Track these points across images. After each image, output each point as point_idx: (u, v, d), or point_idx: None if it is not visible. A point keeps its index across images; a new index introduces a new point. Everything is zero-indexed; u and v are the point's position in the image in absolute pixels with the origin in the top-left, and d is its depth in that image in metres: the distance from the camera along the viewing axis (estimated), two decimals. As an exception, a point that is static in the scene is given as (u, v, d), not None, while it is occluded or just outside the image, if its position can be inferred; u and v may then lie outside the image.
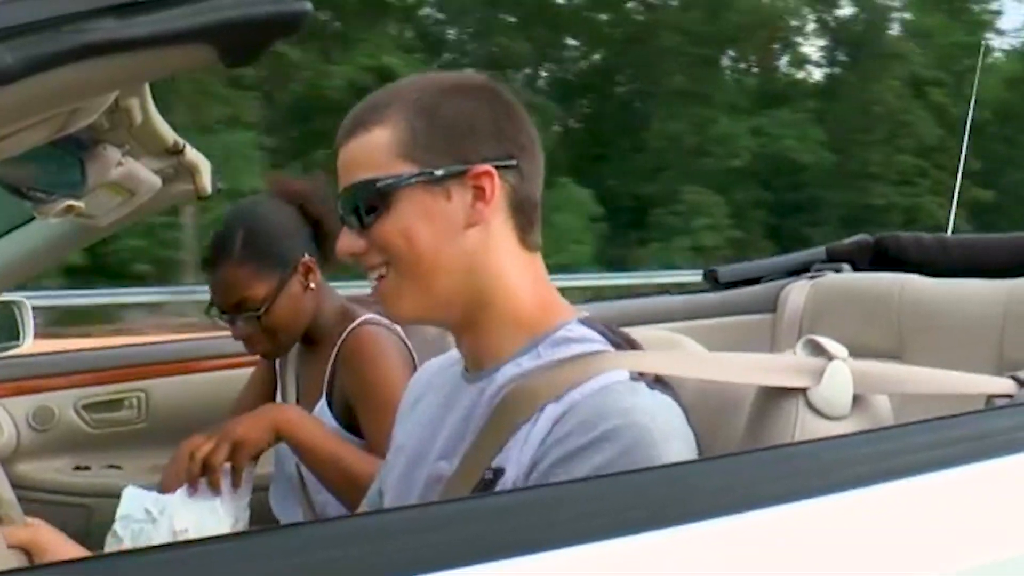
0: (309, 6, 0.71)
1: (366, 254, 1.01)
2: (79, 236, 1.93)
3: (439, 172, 0.98)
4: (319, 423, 1.65)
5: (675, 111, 18.78)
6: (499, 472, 0.94)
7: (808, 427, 0.93)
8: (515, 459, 0.94)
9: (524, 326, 1.02)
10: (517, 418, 0.94)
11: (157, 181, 1.69)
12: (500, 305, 1.01)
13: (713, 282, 2.42)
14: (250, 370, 2.21)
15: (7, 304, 2.13)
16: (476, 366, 1.05)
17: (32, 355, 2.18)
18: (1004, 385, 1.01)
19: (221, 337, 2.37)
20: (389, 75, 17.39)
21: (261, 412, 1.58)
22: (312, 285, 1.69)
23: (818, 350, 0.98)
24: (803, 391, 0.95)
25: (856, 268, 2.33)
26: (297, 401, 1.79)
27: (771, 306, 2.30)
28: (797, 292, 2.25)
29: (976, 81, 3.79)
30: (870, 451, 0.89)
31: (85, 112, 1.05)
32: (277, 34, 0.72)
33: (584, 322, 1.03)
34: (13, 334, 2.12)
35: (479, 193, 0.99)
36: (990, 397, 1.01)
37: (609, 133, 19.70)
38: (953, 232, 2.76)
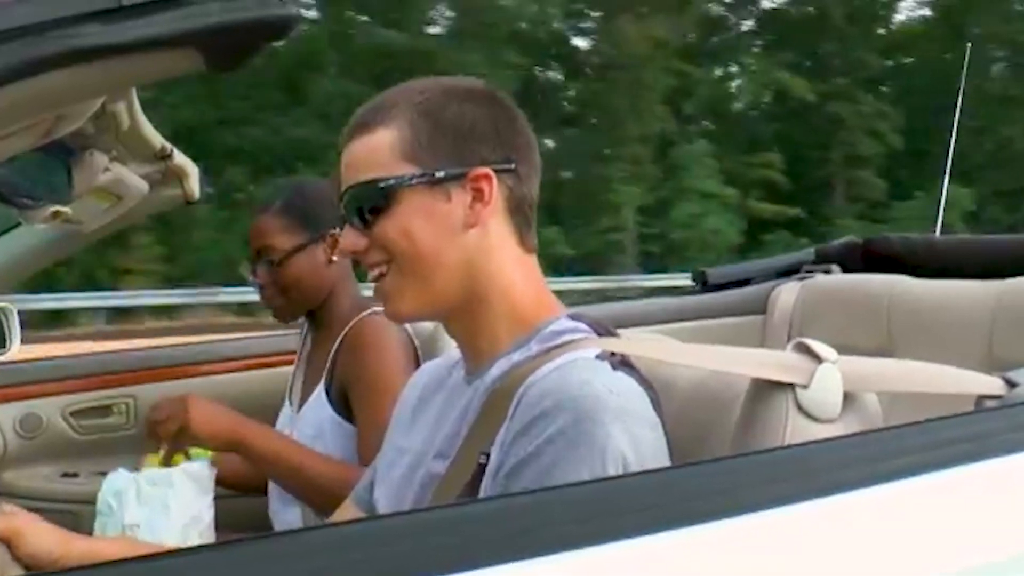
0: (296, 11, 0.71)
1: (367, 252, 1.04)
2: (66, 242, 1.92)
3: (440, 174, 1.01)
4: (280, 435, 1.68)
5: (1009, 115, 20.88)
6: (487, 456, 0.96)
7: (798, 429, 0.93)
8: (498, 441, 0.96)
9: (517, 323, 1.04)
10: (506, 406, 0.96)
11: (145, 186, 1.69)
12: (495, 303, 1.04)
13: (702, 284, 2.43)
14: (242, 375, 2.21)
15: (-7, 310, 2.12)
16: (474, 363, 1.07)
17: (19, 361, 2.17)
18: (994, 385, 1.01)
19: (211, 342, 2.37)
20: (785, 89, 20.56)
21: (224, 414, 1.61)
22: (335, 258, 1.75)
23: (808, 353, 0.98)
24: (792, 392, 0.95)
25: (846, 269, 2.34)
26: (304, 383, 1.83)
27: (761, 308, 2.30)
28: (787, 293, 2.26)
29: (963, 78, 3.80)
30: (859, 454, 0.89)
31: (71, 118, 1.04)
32: (264, 39, 0.72)
33: (572, 317, 1.05)
34: (-1, 340, 2.11)
35: (478, 195, 1.02)
36: (980, 397, 1.02)
37: (941, 138, 21.39)
38: (942, 233, 2.77)
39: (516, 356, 1.02)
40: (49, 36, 0.70)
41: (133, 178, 1.63)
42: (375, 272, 1.04)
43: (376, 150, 1.02)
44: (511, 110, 1.07)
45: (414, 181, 1.00)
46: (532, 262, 1.08)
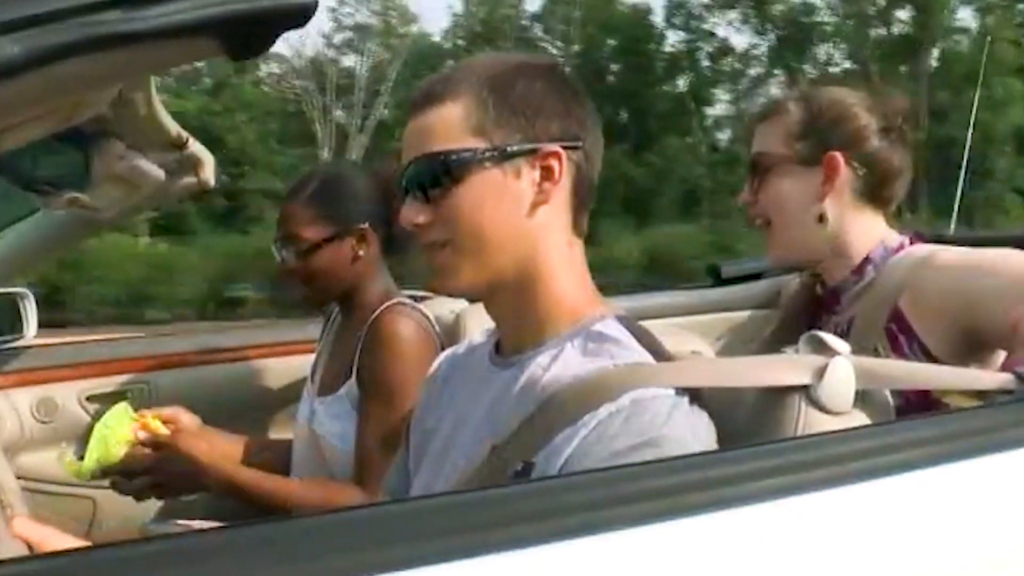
0: None
1: (429, 227, 1.01)
2: (83, 228, 1.94)
3: (511, 149, 0.99)
4: (248, 473, 1.65)
5: None
6: (529, 466, 0.94)
7: (811, 422, 0.93)
8: (545, 456, 0.93)
9: (564, 313, 1.03)
10: (565, 418, 0.93)
11: (161, 174, 1.70)
12: (544, 289, 1.02)
13: (715, 278, 2.42)
14: (260, 363, 2.22)
15: (11, 295, 2.14)
16: (513, 349, 1.06)
17: (36, 346, 2.19)
18: (1004, 380, 1.01)
19: (226, 330, 2.38)
20: None
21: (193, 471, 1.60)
22: (362, 253, 1.73)
23: (820, 346, 0.98)
24: (806, 387, 0.95)
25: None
26: (327, 367, 1.82)
27: (774, 302, 2.30)
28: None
29: (981, 75, 3.77)
30: (870, 446, 0.89)
31: (90, 105, 1.05)
32: (283, 27, 0.72)
33: (620, 320, 1.04)
34: (17, 325, 2.13)
35: (546, 173, 1.00)
36: (990, 392, 1.02)
37: None
38: (954, 231, 2.76)
39: (564, 352, 1.00)
40: (69, 23, 0.70)
41: (149, 166, 1.64)
42: (432, 247, 1.02)
43: (445, 123, 0.99)
44: (578, 88, 1.05)
45: (485, 156, 0.98)
46: (579, 247, 1.06)
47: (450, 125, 0.99)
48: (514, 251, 1.00)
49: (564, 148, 1.00)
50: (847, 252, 1.40)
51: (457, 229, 1.00)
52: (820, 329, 1.38)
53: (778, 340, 1.44)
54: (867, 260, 1.39)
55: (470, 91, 1.00)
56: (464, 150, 0.98)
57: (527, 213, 1.00)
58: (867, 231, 1.40)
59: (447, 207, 0.99)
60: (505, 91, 1.00)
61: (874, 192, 1.39)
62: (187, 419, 1.72)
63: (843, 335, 1.24)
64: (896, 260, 1.38)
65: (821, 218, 1.38)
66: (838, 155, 1.36)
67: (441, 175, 0.99)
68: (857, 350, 0.98)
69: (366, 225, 1.73)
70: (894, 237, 1.42)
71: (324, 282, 1.74)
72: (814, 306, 1.49)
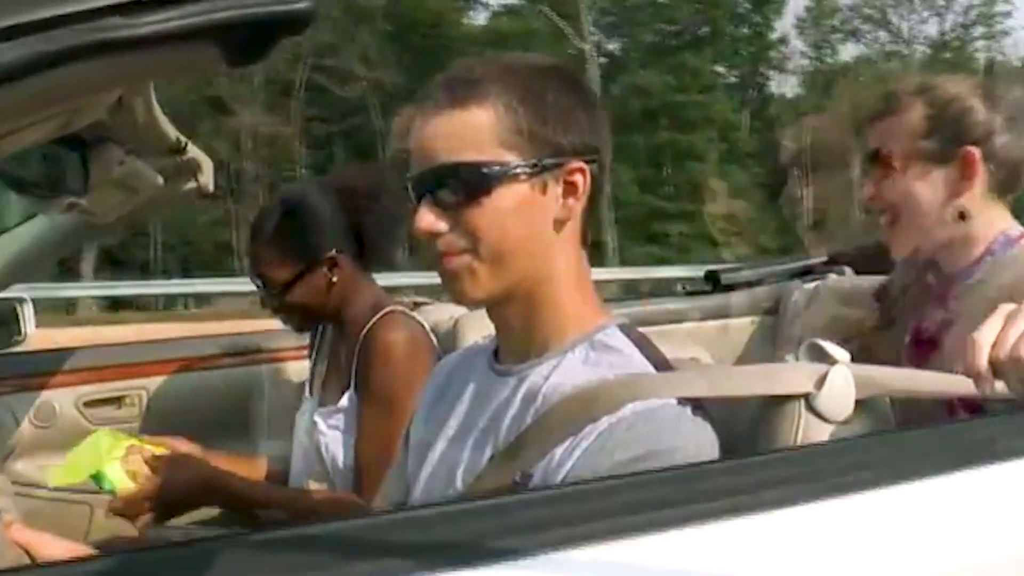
0: (313, 5, 0.71)
1: (447, 236, 0.98)
2: (81, 234, 1.93)
3: (541, 163, 0.96)
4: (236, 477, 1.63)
5: None
6: (527, 477, 0.93)
7: (810, 431, 0.93)
8: (544, 467, 0.93)
9: (570, 323, 1.02)
10: (567, 429, 0.92)
11: (159, 179, 1.69)
12: (553, 299, 1.01)
13: (715, 284, 2.42)
14: (255, 368, 2.21)
15: (8, 301, 2.13)
16: (515, 357, 1.04)
17: (33, 352, 2.18)
18: (1004, 389, 1.01)
19: (223, 335, 2.38)
20: None
21: (191, 483, 1.54)
22: (335, 280, 1.72)
23: (820, 354, 0.98)
24: (806, 395, 0.95)
25: (858, 272, 2.33)
26: (325, 376, 1.81)
27: (773, 309, 2.30)
28: (799, 295, 2.25)
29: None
30: (869, 455, 0.89)
31: (89, 110, 1.05)
32: (283, 33, 0.72)
33: (622, 329, 1.03)
34: (15, 331, 2.12)
35: (570, 188, 0.98)
36: (988, 400, 1.01)
37: None
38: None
39: (565, 362, 1.00)
40: (68, 29, 0.70)
41: (148, 171, 1.64)
42: (449, 255, 0.99)
43: (473, 130, 0.95)
44: (595, 95, 1.03)
45: (517, 170, 0.95)
46: (585, 258, 1.04)
47: (478, 133, 0.95)
48: (531, 263, 0.99)
49: (587, 163, 0.98)
50: (972, 242, 1.39)
51: (480, 240, 0.97)
52: (923, 320, 1.37)
53: (881, 333, 1.46)
54: (987, 251, 1.38)
55: (499, 97, 0.96)
56: (495, 163, 0.95)
57: (550, 228, 0.98)
58: (992, 221, 1.39)
59: (471, 217, 0.96)
60: (537, 102, 0.97)
61: (1003, 185, 1.38)
62: (185, 448, 1.67)
63: (943, 330, 1.27)
64: (1011, 257, 1.36)
65: (962, 215, 1.37)
66: (975, 151, 1.35)
67: (468, 185, 0.95)
68: (952, 352, 0.96)
69: (334, 253, 1.71)
70: (1016, 227, 1.41)
71: (305, 311, 1.74)
72: (917, 294, 1.47)
